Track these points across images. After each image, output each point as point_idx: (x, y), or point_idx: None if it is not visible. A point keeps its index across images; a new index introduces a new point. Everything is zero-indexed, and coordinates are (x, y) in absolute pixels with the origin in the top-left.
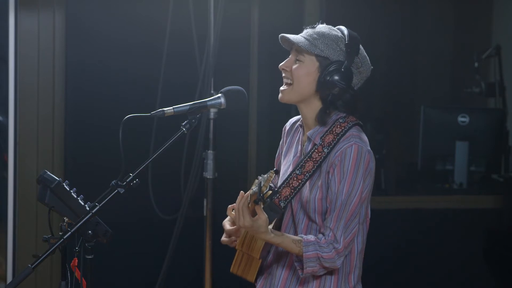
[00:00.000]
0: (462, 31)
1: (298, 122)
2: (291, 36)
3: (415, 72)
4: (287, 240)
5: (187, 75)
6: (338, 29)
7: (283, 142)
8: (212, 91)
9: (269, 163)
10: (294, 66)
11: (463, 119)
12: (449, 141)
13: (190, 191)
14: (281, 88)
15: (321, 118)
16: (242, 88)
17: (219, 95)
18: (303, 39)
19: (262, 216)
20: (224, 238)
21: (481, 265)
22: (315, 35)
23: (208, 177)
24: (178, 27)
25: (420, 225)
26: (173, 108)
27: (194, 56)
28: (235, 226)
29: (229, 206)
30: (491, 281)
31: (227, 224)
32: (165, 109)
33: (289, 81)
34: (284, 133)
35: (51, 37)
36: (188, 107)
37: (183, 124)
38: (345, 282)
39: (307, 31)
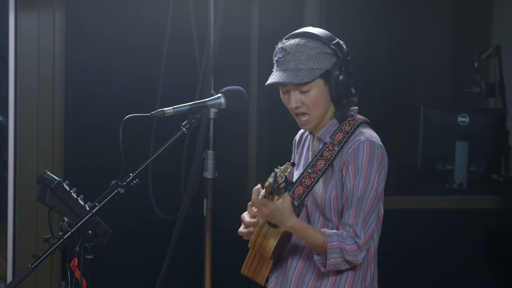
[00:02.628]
0: (462, 31)
1: (308, 130)
2: (287, 80)
3: (415, 72)
4: (312, 227)
5: (187, 75)
6: (305, 34)
7: (294, 155)
8: (212, 91)
9: (269, 163)
10: (305, 98)
11: (463, 119)
12: (449, 141)
13: (190, 191)
14: (300, 121)
15: (343, 116)
16: (242, 88)
17: (219, 95)
18: (295, 74)
19: (287, 197)
20: (241, 229)
21: (481, 265)
22: (300, 61)
23: (208, 177)
24: (178, 27)
25: (420, 225)
26: (173, 108)
27: (194, 56)
28: (255, 219)
29: (249, 203)
30: (491, 281)
31: (246, 216)
32: (165, 109)
33: (307, 112)
34: (295, 145)
35: (51, 37)
36: (188, 107)
37: (183, 124)
38: (361, 281)
39: (286, 62)
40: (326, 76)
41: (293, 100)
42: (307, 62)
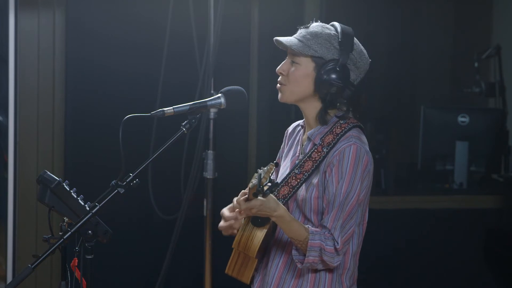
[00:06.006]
0: (462, 31)
1: (300, 123)
2: (284, 39)
3: (415, 72)
4: (297, 221)
5: (187, 75)
6: (332, 25)
7: (284, 145)
8: (212, 91)
9: (269, 163)
10: (291, 69)
11: (463, 119)
12: (449, 141)
13: (190, 191)
14: (278, 87)
15: (322, 118)
16: (242, 88)
17: (219, 95)
18: (296, 41)
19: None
20: (222, 223)
21: (481, 265)
22: (308, 36)
23: (208, 177)
24: (178, 27)
25: (420, 225)
26: (173, 108)
27: (194, 56)
28: (233, 213)
29: (236, 199)
30: (491, 281)
31: (226, 211)
32: (165, 109)
33: (285, 83)
34: (286, 136)
35: (51, 37)
36: (188, 107)
37: (183, 124)
38: (339, 282)
39: (300, 32)
40: (318, 62)
41: (283, 65)
42: (310, 40)
